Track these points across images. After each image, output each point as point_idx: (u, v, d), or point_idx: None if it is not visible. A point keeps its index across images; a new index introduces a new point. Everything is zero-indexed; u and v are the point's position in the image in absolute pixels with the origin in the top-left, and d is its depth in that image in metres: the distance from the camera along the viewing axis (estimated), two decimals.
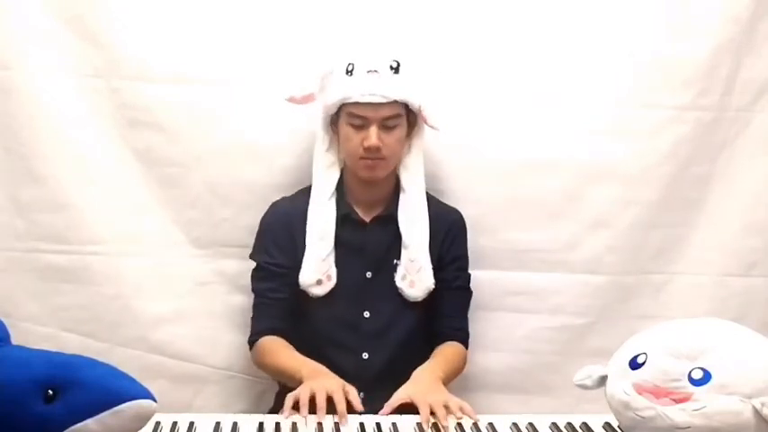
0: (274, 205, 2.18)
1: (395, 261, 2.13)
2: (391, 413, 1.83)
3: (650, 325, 1.63)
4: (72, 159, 2.18)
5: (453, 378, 2.11)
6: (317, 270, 2.08)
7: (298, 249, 2.11)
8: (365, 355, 2.12)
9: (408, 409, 1.84)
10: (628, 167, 2.31)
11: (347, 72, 2.03)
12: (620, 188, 2.32)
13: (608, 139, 2.30)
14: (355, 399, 1.82)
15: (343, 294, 2.11)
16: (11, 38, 2.13)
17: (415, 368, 2.01)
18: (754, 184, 2.36)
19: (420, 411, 1.78)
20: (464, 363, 2.19)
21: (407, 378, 1.96)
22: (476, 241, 2.25)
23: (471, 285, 2.23)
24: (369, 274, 2.14)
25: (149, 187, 2.22)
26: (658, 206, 2.33)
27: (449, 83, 2.26)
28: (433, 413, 1.77)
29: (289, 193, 2.21)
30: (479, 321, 2.25)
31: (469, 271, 2.23)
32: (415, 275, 2.11)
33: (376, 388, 2.02)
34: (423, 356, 2.10)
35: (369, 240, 2.14)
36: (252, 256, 2.17)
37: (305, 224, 2.11)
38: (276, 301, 2.12)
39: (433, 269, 2.14)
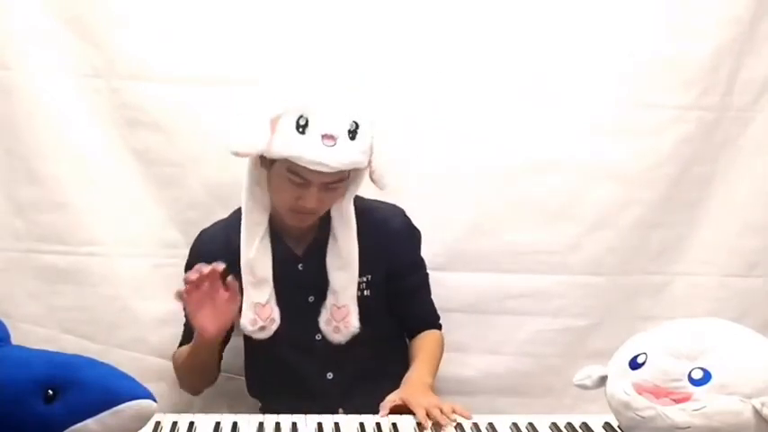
0: (201, 238, 2.10)
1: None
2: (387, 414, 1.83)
3: (652, 326, 1.64)
4: (71, 159, 2.18)
5: (438, 369, 2.09)
6: (259, 316, 2.00)
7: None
8: (329, 375, 2.09)
9: (402, 410, 1.84)
10: (629, 168, 2.31)
11: (298, 127, 1.82)
12: (620, 188, 2.32)
13: (609, 139, 2.30)
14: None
15: (290, 323, 2.04)
16: (11, 38, 2.14)
17: (386, 371, 2.00)
18: (756, 184, 2.36)
19: (416, 413, 1.79)
20: (443, 346, 2.15)
21: (381, 381, 1.95)
22: (476, 243, 2.25)
23: (471, 287, 2.23)
24: (311, 299, 2.06)
25: (148, 187, 2.23)
26: (659, 206, 2.33)
27: (449, 83, 2.25)
28: (429, 415, 1.77)
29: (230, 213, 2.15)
30: (481, 324, 2.25)
31: (470, 273, 2.23)
32: (340, 322, 2.03)
33: (351, 400, 2.00)
34: (392, 356, 2.09)
35: (304, 273, 2.06)
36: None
37: (234, 261, 1.98)
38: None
39: (386, 281, 2.09)
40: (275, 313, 2.02)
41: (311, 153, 1.82)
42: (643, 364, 1.50)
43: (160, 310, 2.24)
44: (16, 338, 1.54)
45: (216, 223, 2.13)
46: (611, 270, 2.35)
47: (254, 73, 2.20)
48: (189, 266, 2.04)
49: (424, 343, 2.13)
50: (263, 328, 2.01)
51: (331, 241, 2.03)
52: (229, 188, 2.23)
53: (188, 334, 2.07)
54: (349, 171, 1.91)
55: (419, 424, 1.76)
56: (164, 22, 2.17)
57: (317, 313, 2.05)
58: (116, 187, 2.21)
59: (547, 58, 2.27)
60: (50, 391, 1.33)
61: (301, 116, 1.82)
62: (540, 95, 2.28)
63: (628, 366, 1.52)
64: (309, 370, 2.08)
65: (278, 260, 2.03)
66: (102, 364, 1.43)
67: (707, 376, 1.43)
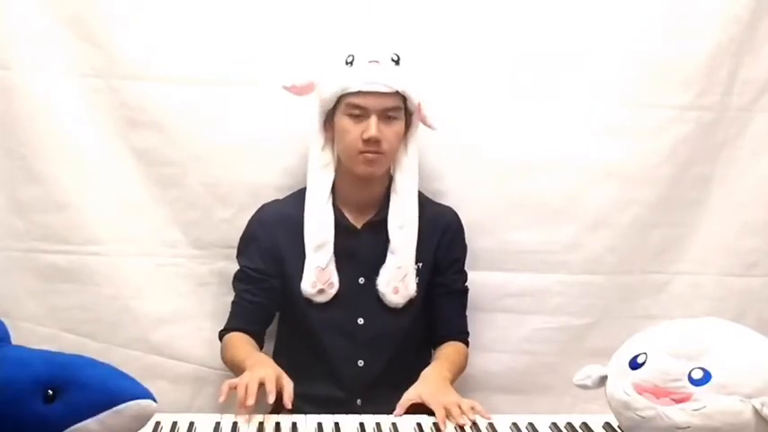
0: (262, 209, 2.15)
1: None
2: (403, 414, 1.83)
3: (650, 325, 1.64)
4: (72, 159, 2.18)
5: (458, 376, 2.11)
6: (319, 279, 2.06)
7: (282, 257, 2.09)
8: (360, 363, 2.10)
9: (419, 409, 1.84)
10: (628, 167, 2.31)
11: (347, 63, 1.99)
12: (620, 188, 2.32)
13: (608, 139, 2.30)
14: (288, 394, 1.79)
15: (338, 302, 2.09)
16: (11, 38, 2.13)
17: (410, 373, 2.00)
18: (755, 184, 2.36)
19: (436, 413, 1.79)
20: (466, 361, 2.18)
21: (403, 383, 1.95)
22: (476, 242, 2.25)
23: (471, 285, 2.23)
24: (362, 281, 2.11)
25: (149, 187, 2.22)
26: (658, 206, 2.33)
27: (449, 82, 2.25)
28: (448, 414, 1.78)
29: (288, 194, 2.20)
30: (480, 323, 2.25)
31: (470, 272, 2.23)
32: (399, 282, 2.08)
33: (372, 394, 2.03)
34: (418, 360, 2.10)
35: (361, 247, 2.11)
36: (237, 256, 2.16)
37: (292, 232, 2.08)
38: (250, 305, 2.10)
39: (430, 274, 2.14)
40: (334, 278, 2.07)
41: (360, 76, 1.98)
42: (643, 364, 1.50)
43: (161, 309, 2.25)
44: (17, 338, 1.54)
45: (277, 200, 2.19)
46: (610, 269, 2.35)
47: (254, 73, 2.21)
48: (247, 235, 2.14)
49: (447, 349, 2.15)
50: (321, 292, 2.07)
51: (393, 198, 2.10)
52: (229, 188, 2.24)
53: (236, 315, 2.12)
54: (403, 104, 2.02)
55: (435, 424, 1.76)
56: (164, 22, 2.17)
57: (365, 296, 2.09)
58: (116, 187, 2.21)
59: (546, 58, 2.26)
60: (50, 391, 1.34)
61: (349, 55, 2.01)
62: (539, 95, 2.28)
63: (628, 366, 1.53)
64: (344, 354, 2.10)
65: (336, 232, 2.08)
66: (102, 363, 1.43)
67: (707, 376, 1.43)
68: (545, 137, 2.29)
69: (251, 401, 1.73)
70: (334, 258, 2.07)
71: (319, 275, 2.06)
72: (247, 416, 1.74)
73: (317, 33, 2.21)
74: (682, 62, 2.28)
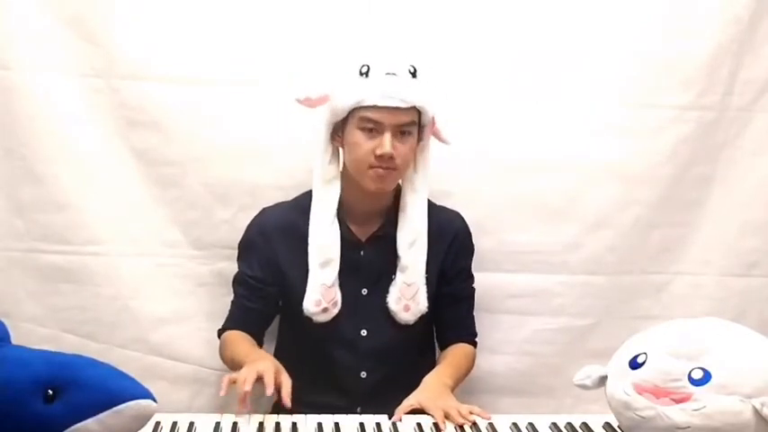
0: (263, 214, 2.13)
1: (392, 277, 2.07)
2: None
3: (651, 325, 1.64)
4: (72, 159, 2.18)
5: (462, 379, 2.11)
6: (324, 297, 2.02)
7: (281, 265, 2.07)
8: (363, 374, 2.09)
9: (418, 413, 1.84)
10: (629, 167, 2.31)
11: (361, 74, 1.92)
12: (620, 188, 2.32)
13: (609, 139, 2.30)
14: (287, 391, 1.78)
15: (341, 313, 2.06)
16: (11, 38, 2.13)
17: (412, 380, 1.99)
18: (755, 184, 2.36)
19: (434, 415, 1.79)
20: (473, 362, 2.18)
21: (405, 390, 1.94)
22: (476, 243, 2.24)
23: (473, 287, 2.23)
24: (365, 291, 2.09)
25: (149, 187, 2.22)
26: (659, 206, 2.33)
27: (448, 82, 2.24)
28: (447, 417, 1.79)
29: (288, 195, 2.19)
30: (481, 324, 2.25)
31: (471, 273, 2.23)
32: (410, 300, 2.06)
33: (373, 403, 2.00)
34: (421, 367, 2.08)
35: (365, 260, 2.08)
36: (237, 258, 2.14)
37: (294, 242, 2.05)
38: (247, 309, 2.09)
39: (437, 284, 2.11)
40: (338, 296, 2.04)
41: (378, 90, 1.90)
42: (643, 364, 1.50)
43: (160, 309, 2.25)
44: (17, 338, 1.54)
45: (279, 203, 2.15)
46: (610, 269, 2.35)
47: (255, 73, 2.21)
48: (246, 240, 2.12)
49: (453, 351, 2.15)
50: (325, 310, 2.03)
51: (401, 216, 2.06)
52: (229, 188, 2.24)
53: (235, 317, 2.10)
54: (418, 118, 1.97)
55: (435, 425, 1.77)
56: (164, 22, 2.17)
57: (369, 307, 2.07)
58: (116, 187, 2.21)
59: (547, 58, 2.27)
60: (50, 391, 1.34)
61: (364, 65, 1.93)
62: (540, 95, 2.28)
63: (628, 366, 1.53)
64: (346, 365, 2.09)
65: (341, 244, 2.04)
66: (102, 363, 1.43)
67: (707, 376, 1.43)
68: (545, 137, 2.29)
69: (247, 388, 1.72)
70: (338, 278, 2.04)
71: (324, 293, 2.02)
72: (247, 415, 1.74)
73: (317, 33, 2.22)
74: (682, 62, 2.28)
